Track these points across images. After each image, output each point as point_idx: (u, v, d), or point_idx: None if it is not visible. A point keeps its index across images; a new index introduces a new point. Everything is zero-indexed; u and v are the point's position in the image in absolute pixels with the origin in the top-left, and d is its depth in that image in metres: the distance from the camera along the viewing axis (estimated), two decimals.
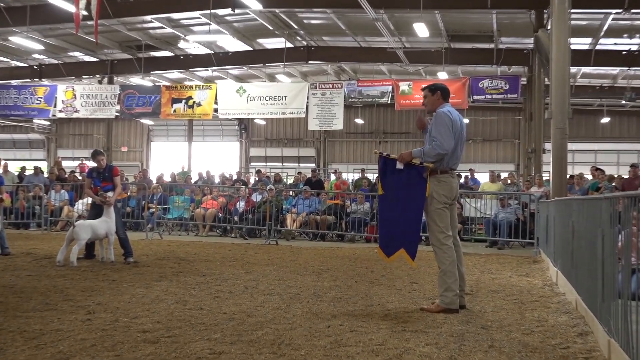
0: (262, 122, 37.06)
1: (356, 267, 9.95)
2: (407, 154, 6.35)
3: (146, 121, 37.40)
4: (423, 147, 6.37)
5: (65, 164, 32.01)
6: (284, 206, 16.96)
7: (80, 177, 21.39)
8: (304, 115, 22.63)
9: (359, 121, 35.05)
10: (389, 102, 22.12)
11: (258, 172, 21.52)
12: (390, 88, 21.77)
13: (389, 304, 6.59)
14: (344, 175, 21.55)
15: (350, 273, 9.20)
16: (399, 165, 6.32)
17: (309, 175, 20.57)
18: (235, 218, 16.75)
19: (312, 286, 7.73)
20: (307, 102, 22.19)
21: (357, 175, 25.23)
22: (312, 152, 37.72)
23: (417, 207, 6.28)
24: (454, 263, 6.17)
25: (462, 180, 20.30)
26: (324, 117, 21.93)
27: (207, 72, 27.46)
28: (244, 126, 38.51)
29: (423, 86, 7.31)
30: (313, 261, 10.84)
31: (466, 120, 33.20)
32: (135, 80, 28.57)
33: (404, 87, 21.63)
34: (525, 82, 22.76)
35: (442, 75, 24.39)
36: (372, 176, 22.87)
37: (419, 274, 9.28)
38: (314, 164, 35.67)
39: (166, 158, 39.15)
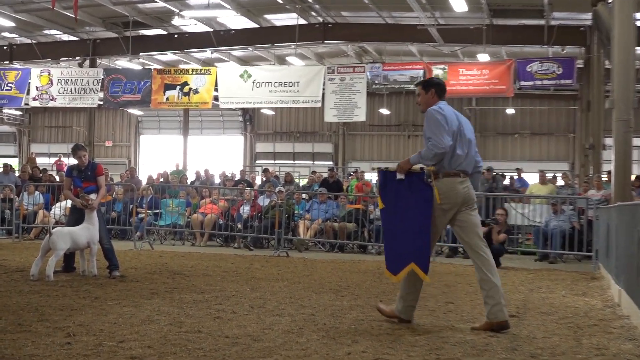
0: (271, 113, 37.19)
1: (381, 284, 9.94)
2: (404, 162, 6.74)
3: (134, 111, 37.71)
4: (420, 151, 6.67)
5: (39, 160, 32.43)
6: (295, 211, 16.99)
7: (57, 177, 21.58)
8: (319, 105, 22.68)
9: (384, 111, 35.06)
10: None
11: (265, 171, 21.57)
12: (421, 72, 21.77)
13: (420, 327, 6.59)
14: (367, 176, 21.51)
15: (374, 291, 9.20)
16: (399, 176, 6.71)
17: (326, 175, 20.59)
18: (239, 225, 16.80)
19: (330, 306, 7.73)
20: (324, 89, 22.24)
21: None
22: (329, 148, 37.80)
23: (424, 215, 6.63)
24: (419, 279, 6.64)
25: (506, 182, 20.24)
26: (343, 107, 21.98)
27: (206, 54, 27.59)
28: (249, 117, 38.69)
29: (415, 82, 7.55)
30: (330, 276, 10.84)
31: (511, 111, 33.13)
32: (122, 63, 28.79)
33: (437, 71, 21.62)
34: (581, 66, 22.66)
35: (483, 57, 24.34)
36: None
37: (456, 291, 9.26)
38: (331, 162, 35.75)
39: (158, 154, 39.56)
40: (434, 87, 6.85)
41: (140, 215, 17.27)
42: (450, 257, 15.41)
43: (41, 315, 6.72)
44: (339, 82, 22.07)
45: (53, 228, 9.88)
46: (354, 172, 24.67)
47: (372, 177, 27.64)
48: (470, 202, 6.70)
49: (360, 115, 22.14)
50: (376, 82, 22.25)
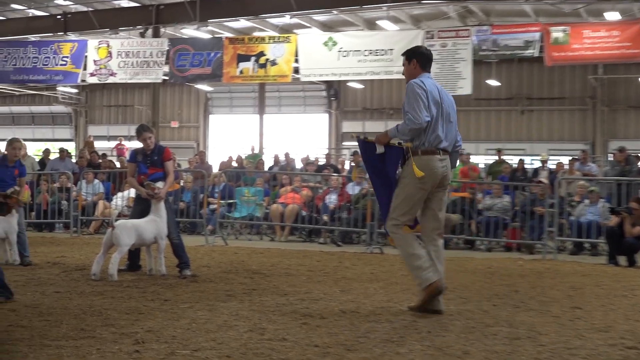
0: (359, 86, 37.16)
1: (493, 285, 9.85)
2: (382, 135, 7.60)
3: (203, 87, 38.26)
4: (397, 125, 7.45)
5: (97, 144, 33.25)
6: None
7: (118, 163, 22.08)
8: None
9: (493, 83, 34.55)
10: (535, 55, 21.69)
11: (355, 154, 21.55)
12: (537, 35, 21.35)
13: (543, 336, 6.49)
14: (473, 158, 21.31)
15: (485, 293, 9.12)
16: (379, 149, 7.56)
17: None
18: (325, 217, 16.87)
19: (434, 311, 7.68)
20: None
21: (492, 158, 24.94)
22: None
23: (394, 186, 7.55)
24: (411, 244, 7.45)
25: None
26: (444, 78, 21.76)
27: (284, 19, 27.70)
28: (334, 92, 38.74)
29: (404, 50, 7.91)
30: None
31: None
32: (189, 31, 29.13)
33: (557, 33, 21.16)
34: None
35: (612, 16, 23.69)
36: (513, 159, 22.53)
37: (583, 295, 9.09)
38: None
39: (230, 136, 39.97)
40: (416, 57, 7.50)
41: (211, 206, 17.49)
42: (575, 254, 15.13)
43: (105, 319, 6.88)
44: (439, 48, 21.84)
45: (116, 221, 10.09)
46: None
47: (480, 160, 27.34)
48: (446, 181, 7.54)
49: (464, 87, 21.88)
50: (483, 48, 21.94)
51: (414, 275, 7.43)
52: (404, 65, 7.61)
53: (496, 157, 21.86)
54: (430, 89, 7.23)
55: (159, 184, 10.30)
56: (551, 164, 21.72)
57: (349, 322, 6.97)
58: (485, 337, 6.42)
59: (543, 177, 18.17)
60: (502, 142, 31.15)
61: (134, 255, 10.63)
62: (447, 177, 7.52)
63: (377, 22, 27.63)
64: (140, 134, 10.61)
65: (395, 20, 27.31)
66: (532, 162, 26.33)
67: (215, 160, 27.99)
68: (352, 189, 17.30)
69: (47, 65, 25.71)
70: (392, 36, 23.49)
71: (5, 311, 7.18)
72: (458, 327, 6.82)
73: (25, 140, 23.72)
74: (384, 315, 7.39)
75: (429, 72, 7.51)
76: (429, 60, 7.56)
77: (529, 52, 21.69)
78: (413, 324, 6.89)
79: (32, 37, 28.24)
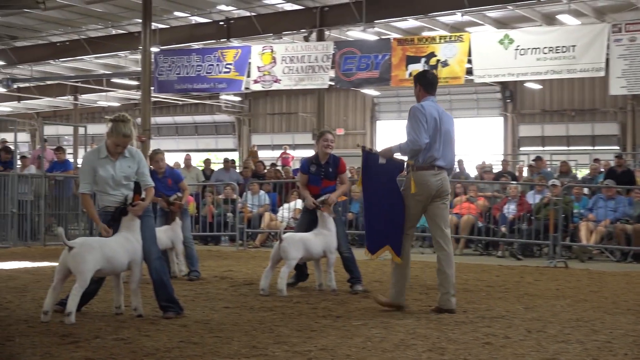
0: (537, 87, 36.46)
1: None
2: (387, 150, 8.86)
3: (370, 92, 38.49)
4: (400, 144, 8.68)
5: (261, 154, 34.00)
6: (575, 210, 16.55)
7: (283, 173, 22.49)
8: (602, 74, 21.86)
9: None
10: None
11: (537, 159, 21.16)
12: None
13: None
14: None
15: None
16: (382, 161, 8.79)
17: (613, 163, 19.87)
18: (503, 229, 16.65)
19: (630, 331, 7.51)
20: (607, 54, 21.40)
21: None
22: (615, 129, 36.44)
23: (399, 201, 8.66)
24: (403, 263, 8.68)
25: None
26: (633, 75, 21.07)
27: (455, 17, 27.52)
28: (510, 93, 38.19)
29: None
30: (626, 293, 10.58)
31: None
32: (354, 34, 29.42)
33: None
34: None
35: None
36: None
37: None
38: (617, 147, 34.44)
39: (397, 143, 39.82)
40: (419, 82, 8.91)
41: None
42: None
43: (277, 336, 7.03)
44: (627, 43, 21.12)
45: (284, 233, 10.24)
46: None
47: None
48: (443, 194, 8.65)
49: None
50: None
51: (392, 286, 8.72)
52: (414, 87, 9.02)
53: None
54: (428, 113, 8.54)
55: (329, 196, 10.33)
56: None
57: (535, 342, 6.89)
58: None
59: None
60: None
61: (301, 267, 10.76)
62: (444, 189, 8.65)
63: (557, 16, 27.03)
64: (322, 136, 10.63)
65: (577, 14, 26.64)
66: None
67: None
68: (533, 198, 16.97)
69: (210, 73, 26.46)
70: (575, 31, 22.85)
71: (176, 327, 7.46)
72: None
73: (189, 150, 24.59)
74: (573, 335, 7.25)
75: (434, 95, 8.84)
76: (431, 84, 8.88)
77: None
78: (607, 346, 6.75)
79: (195, 45, 29.22)
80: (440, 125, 8.60)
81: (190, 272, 11.72)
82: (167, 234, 11.53)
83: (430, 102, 8.75)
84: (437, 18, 27.75)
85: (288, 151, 35.67)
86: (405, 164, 8.74)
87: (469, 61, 23.33)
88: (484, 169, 21.78)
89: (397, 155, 8.80)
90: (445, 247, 8.58)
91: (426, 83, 8.89)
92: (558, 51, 21.85)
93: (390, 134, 40.95)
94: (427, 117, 8.52)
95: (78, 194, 15.47)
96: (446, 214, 8.77)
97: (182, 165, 21.32)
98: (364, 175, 8.93)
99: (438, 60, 23.26)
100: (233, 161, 23.42)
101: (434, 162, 8.55)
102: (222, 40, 29.35)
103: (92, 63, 36.92)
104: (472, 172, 23.32)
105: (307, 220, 10.53)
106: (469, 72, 23.82)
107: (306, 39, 27.93)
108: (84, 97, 44.44)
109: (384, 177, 8.75)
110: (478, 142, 37.95)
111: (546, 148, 36.21)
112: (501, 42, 22.66)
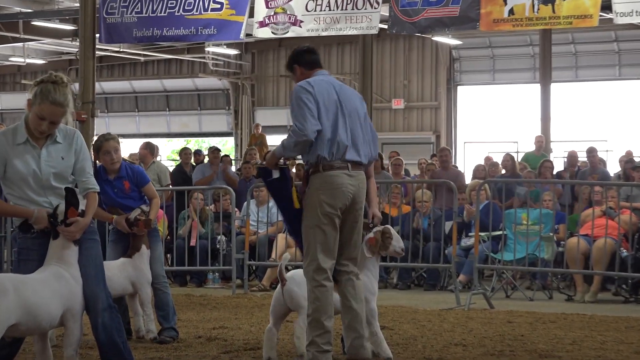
0: None
1: None
2: (270, 155, 7.26)
3: (445, 39, 29.78)
4: (282, 140, 7.16)
5: (271, 140, 30.40)
6: None
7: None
8: None
9: None
10: None
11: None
12: None
13: None
14: None
15: None
16: (275, 174, 7.17)
17: None
18: None
19: None
20: None
21: None
22: None
23: (295, 220, 7.25)
24: (326, 310, 6.92)
25: None
26: None
27: None
28: None
29: None
30: None
31: None
32: None
33: None
34: None
35: None
36: None
37: None
38: None
39: (490, 121, 33.49)
40: (296, 63, 7.27)
41: (465, 242, 14.27)
42: None
43: None
44: None
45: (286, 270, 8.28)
46: None
47: None
48: (358, 205, 7.10)
49: None
50: None
51: (307, 341, 7.03)
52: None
53: None
54: (319, 90, 6.99)
55: None
56: None
57: None
58: None
59: None
60: None
61: None
62: (359, 197, 7.14)
63: None
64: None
65: None
66: None
67: (466, 162, 24.56)
68: None
69: (190, 11, 19.54)
70: None
71: None
72: None
73: (156, 135, 20.79)
74: None
75: (322, 69, 7.35)
76: (311, 58, 7.32)
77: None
78: None
79: None
80: (341, 103, 7.05)
81: (163, 331, 8.99)
82: (125, 271, 8.90)
83: (321, 76, 7.23)
84: None
85: None
86: (295, 167, 7.00)
87: None
88: (632, 164, 16.69)
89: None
90: (353, 280, 7.20)
91: (305, 59, 7.32)
92: None
93: (476, 106, 33.99)
94: (315, 97, 6.91)
95: None
96: (357, 232, 7.26)
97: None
98: (276, 202, 8.06)
99: None
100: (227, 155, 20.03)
101: (346, 156, 6.99)
102: None
103: None
104: (613, 169, 18.87)
105: None
106: (606, 7, 18.30)
107: None
108: None
109: (278, 191, 7.43)
110: (621, 119, 31.24)
111: None
112: None
